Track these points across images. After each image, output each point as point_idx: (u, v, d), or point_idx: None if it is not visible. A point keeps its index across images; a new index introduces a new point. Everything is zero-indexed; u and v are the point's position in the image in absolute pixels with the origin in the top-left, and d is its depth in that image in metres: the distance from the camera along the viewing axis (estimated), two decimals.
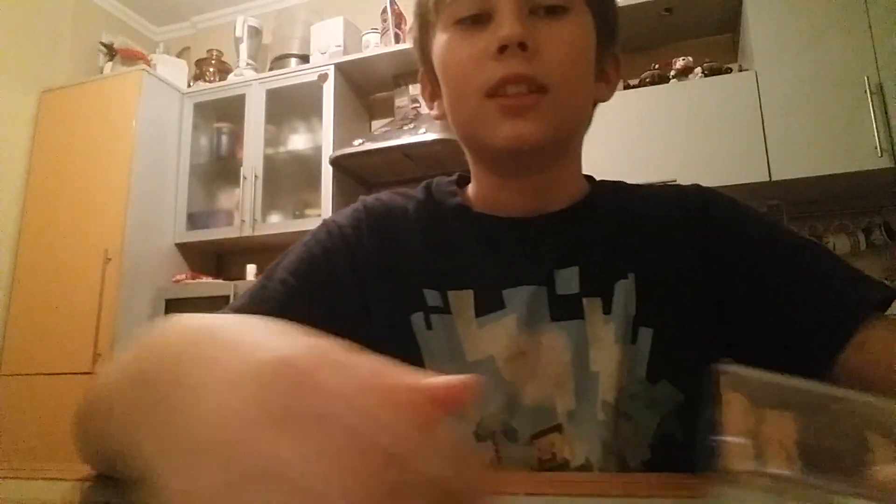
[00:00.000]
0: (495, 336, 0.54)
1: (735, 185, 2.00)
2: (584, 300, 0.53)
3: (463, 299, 0.55)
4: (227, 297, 2.37)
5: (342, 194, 2.58)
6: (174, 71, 2.97)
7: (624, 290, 0.53)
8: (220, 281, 2.70)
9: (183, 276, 2.72)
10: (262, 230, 2.65)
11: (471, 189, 0.63)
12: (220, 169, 2.96)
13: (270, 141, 2.81)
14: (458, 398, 0.21)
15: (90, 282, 2.47)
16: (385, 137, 2.49)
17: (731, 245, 0.55)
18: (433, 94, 0.61)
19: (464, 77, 0.54)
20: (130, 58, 2.94)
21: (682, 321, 0.54)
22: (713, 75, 2.21)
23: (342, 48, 2.74)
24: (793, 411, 0.25)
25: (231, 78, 2.95)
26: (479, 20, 0.53)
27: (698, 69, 2.24)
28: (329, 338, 0.21)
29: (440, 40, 0.56)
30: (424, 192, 0.63)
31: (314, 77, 2.70)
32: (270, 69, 2.93)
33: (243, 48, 2.98)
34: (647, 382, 0.51)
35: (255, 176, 2.70)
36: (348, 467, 0.17)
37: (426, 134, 2.33)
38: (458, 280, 0.56)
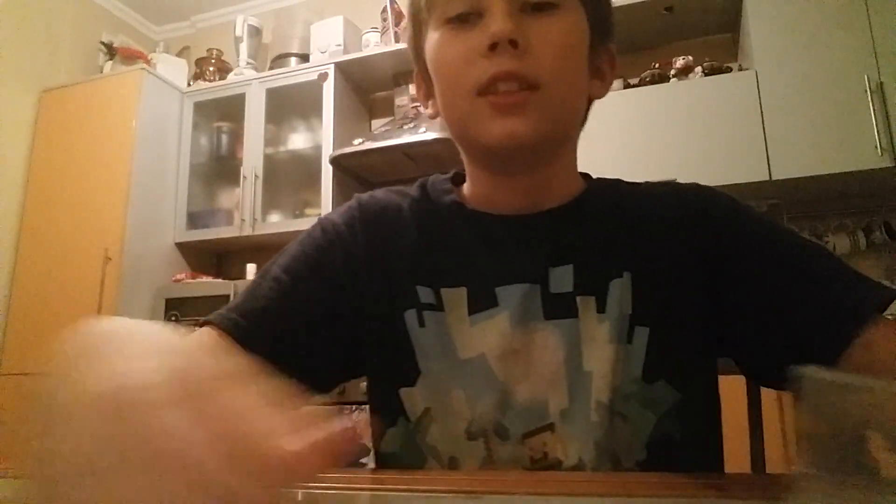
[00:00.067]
0: (487, 334, 0.54)
1: (735, 184, 1.99)
2: (578, 299, 0.53)
3: (456, 297, 0.55)
4: (227, 297, 2.37)
5: (342, 194, 2.58)
6: (174, 70, 2.97)
7: (619, 289, 0.53)
8: (220, 280, 2.70)
9: (183, 276, 2.72)
10: (262, 230, 2.65)
11: (466, 187, 0.63)
12: (220, 168, 2.96)
13: (270, 140, 2.81)
14: (311, 466, 0.20)
15: (90, 282, 2.47)
16: (385, 137, 2.49)
17: (730, 245, 0.55)
18: (428, 94, 0.61)
19: (455, 75, 0.54)
20: (130, 57, 2.94)
21: (679, 320, 0.53)
22: (713, 75, 2.20)
23: (342, 47, 2.74)
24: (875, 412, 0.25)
25: (231, 77, 2.95)
26: (470, 18, 0.53)
27: (698, 68, 2.24)
28: (232, 365, 0.22)
29: (432, 39, 0.56)
30: (420, 190, 0.63)
31: (314, 76, 2.70)
32: (270, 68, 2.92)
33: (243, 47, 2.98)
34: (643, 382, 0.51)
35: (255, 175, 2.70)
36: None
37: (426, 133, 2.33)
38: (452, 277, 0.56)
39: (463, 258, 0.57)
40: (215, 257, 3.06)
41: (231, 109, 2.87)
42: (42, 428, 0.21)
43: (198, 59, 3.15)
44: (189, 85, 3.04)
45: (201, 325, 0.55)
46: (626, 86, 2.31)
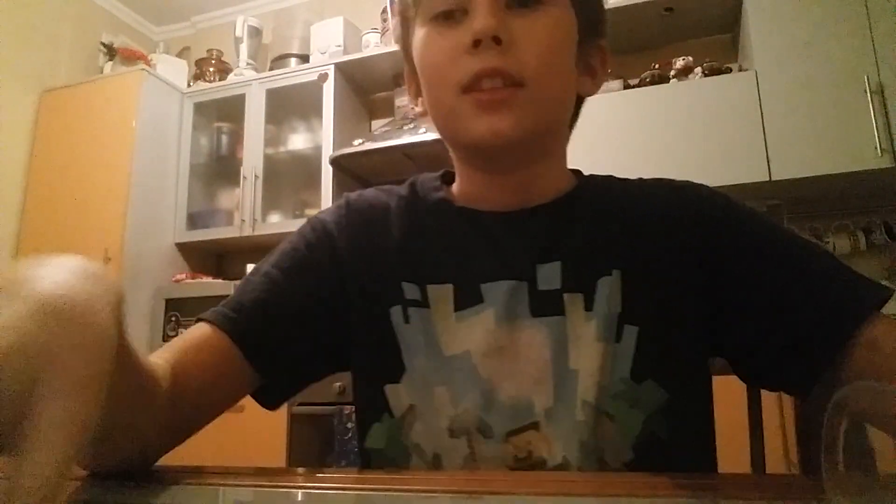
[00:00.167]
0: (472, 331, 0.53)
1: (735, 184, 1.99)
2: (566, 296, 0.52)
3: (442, 293, 0.55)
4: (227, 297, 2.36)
5: (342, 194, 2.58)
6: (174, 71, 2.98)
7: (607, 287, 0.52)
8: (220, 281, 2.70)
9: (183, 276, 2.72)
10: (262, 230, 2.65)
11: (455, 184, 0.62)
12: (220, 169, 2.97)
13: (270, 141, 2.81)
14: None
15: None
16: (385, 137, 2.49)
17: (725, 244, 0.54)
18: (418, 91, 0.61)
19: (439, 72, 0.54)
20: (130, 57, 2.94)
21: (670, 320, 0.53)
22: (713, 75, 2.20)
23: (342, 48, 2.74)
24: None
25: (231, 78, 2.95)
26: (455, 15, 0.53)
27: (698, 69, 2.24)
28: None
29: (418, 36, 0.56)
30: (409, 188, 0.63)
31: (314, 77, 2.70)
32: (270, 69, 2.93)
33: (243, 48, 2.98)
34: (632, 382, 0.50)
35: (255, 176, 2.70)
36: None
37: (426, 134, 2.33)
38: (438, 274, 0.56)
39: (449, 255, 0.57)
40: (215, 257, 3.06)
41: (231, 110, 2.88)
42: None
43: (198, 60, 3.16)
44: (189, 85, 3.04)
45: (196, 322, 0.56)
46: (626, 86, 2.31)
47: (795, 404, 0.79)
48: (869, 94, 1.93)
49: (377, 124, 2.89)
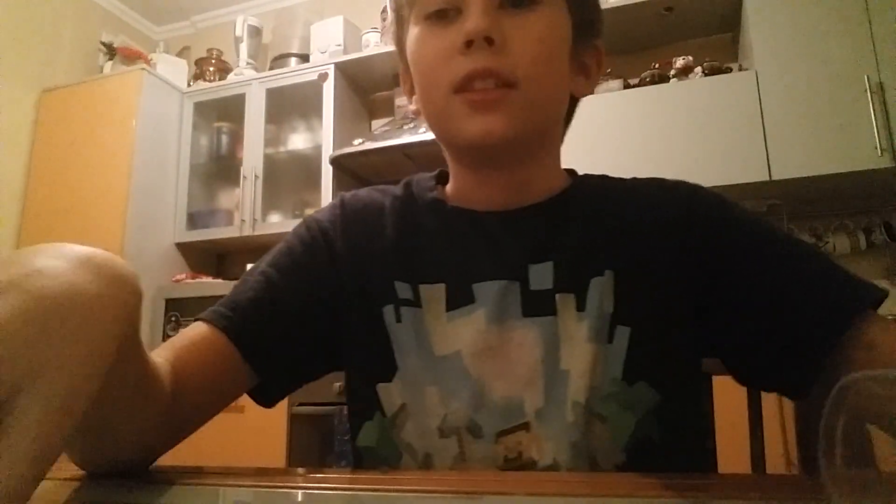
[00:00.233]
0: (464, 331, 0.53)
1: (735, 184, 1.99)
2: (558, 296, 0.52)
3: (434, 293, 0.55)
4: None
5: (338, 194, 2.58)
6: (174, 70, 2.98)
7: (599, 288, 0.52)
8: (220, 281, 2.70)
9: (183, 276, 2.72)
10: (262, 230, 2.65)
11: (449, 184, 0.62)
12: (220, 168, 2.97)
13: (270, 140, 2.81)
14: None
15: None
16: (385, 137, 2.49)
17: (718, 243, 0.54)
18: (412, 89, 0.61)
19: (432, 72, 0.54)
20: (130, 57, 2.94)
21: (663, 320, 0.52)
22: (713, 75, 2.20)
23: (342, 47, 2.74)
24: None
25: (231, 77, 2.95)
26: (448, 14, 0.53)
27: (698, 69, 2.24)
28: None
29: (412, 34, 0.56)
30: (404, 188, 0.63)
31: (314, 76, 2.70)
32: (270, 68, 2.93)
33: (243, 47, 2.98)
34: (624, 383, 0.50)
35: (255, 175, 2.70)
36: None
37: (426, 133, 2.33)
38: (431, 274, 0.56)
39: (442, 255, 0.57)
40: (215, 257, 3.06)
41: (231, 109, 2.88)
42: None
43: (198, 60, 3.16)
44: (189, 85, 3.04)
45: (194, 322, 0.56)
46: (626, 86, 2.31)
47: (795, 404, 0.79)
48: (869, 94, 1.93)
49: (377, 124, 2.89)
